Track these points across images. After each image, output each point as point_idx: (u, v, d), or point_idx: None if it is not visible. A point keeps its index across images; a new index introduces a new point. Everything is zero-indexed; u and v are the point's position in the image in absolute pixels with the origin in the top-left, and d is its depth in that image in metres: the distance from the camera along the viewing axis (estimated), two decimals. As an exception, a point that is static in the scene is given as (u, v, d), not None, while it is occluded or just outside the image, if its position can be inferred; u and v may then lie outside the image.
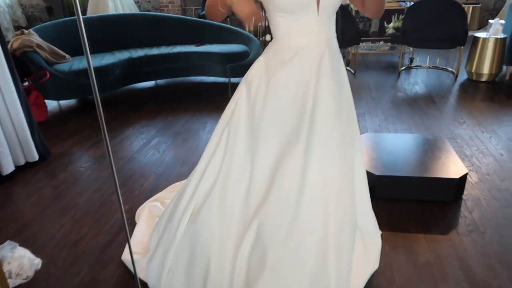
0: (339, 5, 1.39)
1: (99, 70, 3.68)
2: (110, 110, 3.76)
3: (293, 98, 1.41)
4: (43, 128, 3.17)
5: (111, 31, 4.33)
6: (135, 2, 7.64)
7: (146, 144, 3.02)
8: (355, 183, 1.53)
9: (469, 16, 6.48)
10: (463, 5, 6.50)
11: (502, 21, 4.15)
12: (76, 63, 3.78)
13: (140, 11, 7.66)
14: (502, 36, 4.07)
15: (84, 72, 3.64)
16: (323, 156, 1.41)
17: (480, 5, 6.55)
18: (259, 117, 1.44)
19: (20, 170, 2.67)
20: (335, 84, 1.43)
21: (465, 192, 2.24)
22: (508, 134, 2.97)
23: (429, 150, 2.41)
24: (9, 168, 2.56)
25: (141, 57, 4.00)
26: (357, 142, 1.57)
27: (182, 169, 2.61)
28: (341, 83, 1.48)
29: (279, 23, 1.39)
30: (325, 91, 1.40)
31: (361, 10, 1.43)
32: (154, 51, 4.16)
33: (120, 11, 7.05)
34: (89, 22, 4.35)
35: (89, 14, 6.96)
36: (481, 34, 4.16)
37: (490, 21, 4.16)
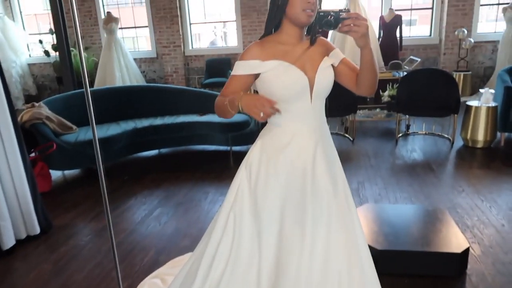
0: (330, 91, 1.49)
1: (104, 140, 3.79)
2: (113, 180, 3.82)
3: (293, 182, 1.47)
4: (46, 198, 3.20)
5: (117, 102, 4.51)
6: (141, 72, 8.03)
7: (147, 216, 3.03)
8: (361, 259, 1.53)
9: (461, 83, 6.77)
10: (454, 73, 6.84)
11: (492, 91, 4.34)
12: (82, 134, 3.91)
13: (146, 80, 8.03)
14: (493, 104, 4.23)
15: (89, 143, 3.75)
16: (328, 238, 1.45)
17: (470, 72, 6.85)
18: (261, 202, 1.48)
19: (20, 243, 2.66)
20: (330, 166, 1.50)
21: (468, 266, 2.21)
22: (508, 203, 2.99)
23: (430, 221, 2.42)
24: (10, 242, 2.56)
25: (146, 127, 4.14)
26: (355, 217, 1.58)
27: (184, 242, 2.60)
28: (333, 162, 1.54)
29: None
30: (322, 174, 1.46)
31: (354, 90, 1.49)
32: (159, 121, 4.31)
33: (127, 81, 7.40)
34: (96, 93, 4.54)
35: (97, 84, 7.31)
36: (473, 103, 4.32)
37: (481, 90, 4.35)
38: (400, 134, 4.79)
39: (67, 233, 2.84)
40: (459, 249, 2.11)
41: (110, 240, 2.72)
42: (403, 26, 6.84)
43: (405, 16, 7.02)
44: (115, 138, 3.86)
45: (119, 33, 7.80)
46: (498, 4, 7.07)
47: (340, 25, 1.26)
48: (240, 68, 1.42)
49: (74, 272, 2.36)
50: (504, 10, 6.56)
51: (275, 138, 1.48)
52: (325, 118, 1.54)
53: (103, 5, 8.02)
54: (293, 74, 1.39)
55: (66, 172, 4.11)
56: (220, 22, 8.72)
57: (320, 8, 1.38)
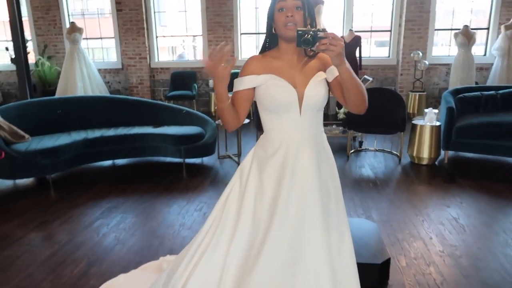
0: (324, 104, 1.57)
1: (52, 150, 3.76)
2: (59, 191, 3.77)
3: (276, 188, 1.52)
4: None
5: (71, 112, 4.48)
6: (106, 83, 7.98)
7: (86, 227, 3.00)
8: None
9: (416, 102, 7.06)
10: (410, 93, 7.12)
11: (436, 110, 4.56)
12: (34, 143, 3.86)
13: (110, 91, 7.98)
14: (437, 123, 4.44)
15: (41, 152, 3.72)
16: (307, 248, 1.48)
17: (425, 93, 7.16)
18: (244, 202, 1.56)
19: (-51, 254, 2.59)
20: (319, 175, 1.53)
21: (391, 277, 2.31)
22: (440, 217, 3.13)
23: (358, 235, 2.50)
24: None
25: (97, 137, 4.12)
26: (346, 230, 1.65)
27: (119, 253, 2.60)
28: (326, 171, 1.59)
29: (266, 119, 1.59)
30: (308, 181, 1.51)
31: (344, 105, 1.56)
32: (111, 132, 4.30)
33: (89, 91, 7.34)
34: (50, 103, 4.51)
35: (58, 93, 7.21)
36: (418, 121, 4.52)
37: (426, 110, 4.56)
38: (352, 150, 4.94)
39: (3, 244, 2.78)
40: (379, 260, 2.20)
41: (46, 251, 2.69)
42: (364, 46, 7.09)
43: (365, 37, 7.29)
44: (64, 148, 3.83)
45: (84, 44, 7.76)
46: (451, 29, 7.47)
47: (317, 43, 1.31)
48: (238, 85, 1.55)
49: (1, 284, 2.31)
50: (456, 35, 6.93)
51: (265, 146, 1.59)
52: (321, 129, 1.62)
53: (68, 15, 7.97)
54: (282, 88, 1.49)
55: (18, 181, 4.04)
56: (186, 36, 8.79)
57: (314, 26, 1.48)
